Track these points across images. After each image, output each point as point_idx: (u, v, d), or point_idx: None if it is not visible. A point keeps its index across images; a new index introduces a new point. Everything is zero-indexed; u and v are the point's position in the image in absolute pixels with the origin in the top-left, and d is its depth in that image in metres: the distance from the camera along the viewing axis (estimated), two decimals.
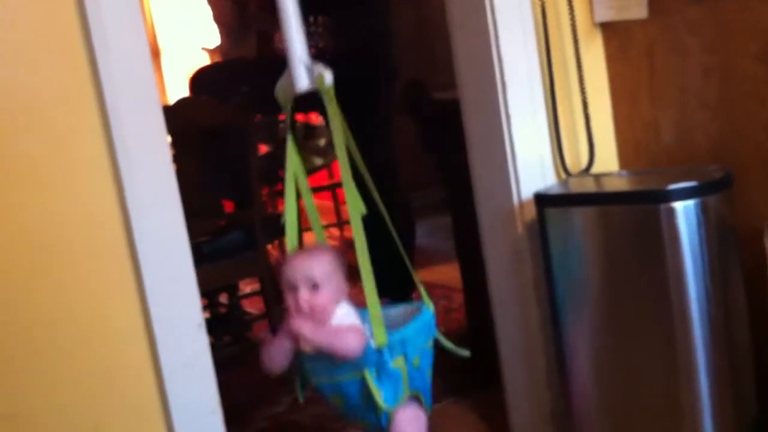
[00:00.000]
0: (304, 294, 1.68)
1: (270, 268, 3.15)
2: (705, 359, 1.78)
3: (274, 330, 3.01)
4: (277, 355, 1.74)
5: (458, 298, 3.33)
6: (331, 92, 1.75)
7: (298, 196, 1.84)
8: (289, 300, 1.69)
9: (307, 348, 1.71)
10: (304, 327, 1.66)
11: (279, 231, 3.85)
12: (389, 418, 1.74)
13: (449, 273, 3.48)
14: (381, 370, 1.69)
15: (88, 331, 1.71)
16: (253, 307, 3.88)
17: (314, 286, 1.69)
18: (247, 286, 4.14)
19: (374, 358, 1.68)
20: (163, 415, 1.78)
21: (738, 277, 1.87)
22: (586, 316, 1.90)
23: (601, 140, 2.18)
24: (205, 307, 3.22)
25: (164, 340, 1.74)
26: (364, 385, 1.69)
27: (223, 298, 3.50)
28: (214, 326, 3.23)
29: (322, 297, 1.69)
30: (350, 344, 1.66)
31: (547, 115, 2.11)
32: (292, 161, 1.82)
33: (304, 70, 1.77)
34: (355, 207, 1.72)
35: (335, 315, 1.73)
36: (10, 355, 1.65)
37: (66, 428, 1.71)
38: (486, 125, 2.12)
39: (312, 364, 1.73)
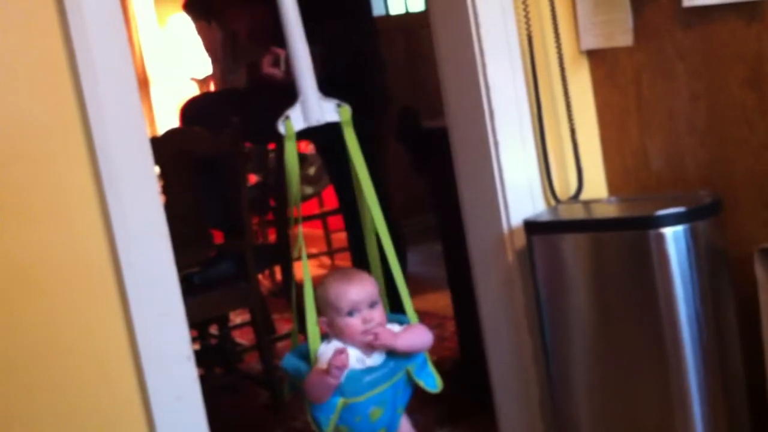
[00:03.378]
0: (369, 313, 1.79)
1: (261, 299, 3.13)
2: (697, 384, 1.77)
3: (265, 360, 3.01)
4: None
5: (450, 326, 3.31)
6: (351, 123, 1.86)
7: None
8: (353, 320, 1.78)
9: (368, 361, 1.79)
10: (387, 336, 1.78)
11: (269, 260, 3.86)
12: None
13: (441, 301, 3.47)
14: (418, 362, 1.85)
15: (75, 364, 1.70)
16: (243, 338, 3.86)
17: (372, 305, 1.80)
18: (238, 317, 4.12)
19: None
20: None
21: (729, 302, 1.86)
22: (577, 343, 1.89)
23: (589, 166, 2.18)
24: (195, 339, 3.20)
25: (153, 373, 1.73)
26: (403, 384, 1.84)
27: (214, 329, 3.48)
28: (204, 357, 3.21)
29: (382, 312, 1.83)
30: (426, 336, 1.85)
31: (536, 142, 2.12)
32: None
33: (322, 104, 1.82)
34: (381, 224, 1.87)
35: None
36: None
37: None
38: (474, 153, 2.12)
39: (355, 385, 1.77)
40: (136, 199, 1.71)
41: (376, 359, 1.80)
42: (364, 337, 1.77)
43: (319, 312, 1.84)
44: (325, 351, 1.80)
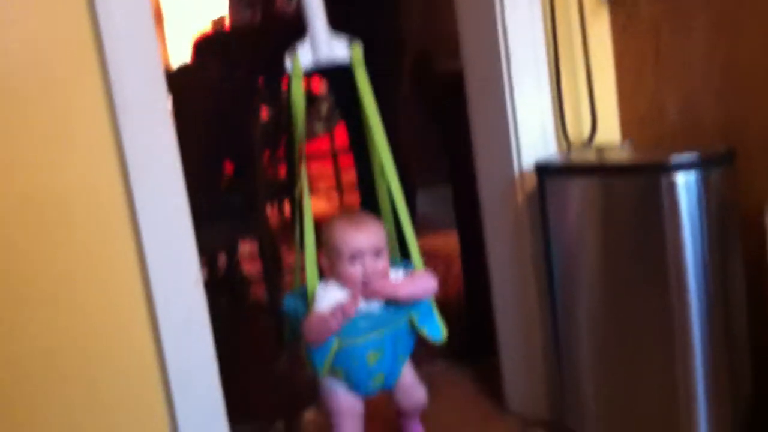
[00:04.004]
0: (372, 263, 1.79)
1: (269, 230, 3.16)
2: (701, 335, 1.78)
3: (272, 291, 3.04)
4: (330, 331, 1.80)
5: (456, 267, 3.34)
6: (362, 62, 1.85)
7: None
8: (354, 269, 1.79)
9: (363, 307, 1.80)
10: (386, 286, 1.80)
11: (279, 194, 3.87)
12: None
13: (448, 242, 3.49)
14: (423, 310, 1.87)
15: (85, 286, 1.73)
16: (251, 268, 3.89)
17: (377, 254, 1.80)
18: (246, 248, 4.16)
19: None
20: (160, 371, 1.80)
21: (737, 254, 1.87)
22: (583, 288, 1.91)
23: (604, 113, 2.18)
24: (204, 268, 3.23)
25: (161, 295, 1.76)
26: (405, 331, 1.86)
27: (222, 260, 3.51)
28: (211, 287, 3.24)
29: (386, 261, 1.83)
30: (430, 284, 1.87)
31: (551, 87, 2.11)
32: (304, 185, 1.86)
33: (331, 42, 1.79)
34: (390, 167, 1.89)
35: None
36: (5, 309, 1.66)
37: (61, 384, 1.73)
38: (489, 95, 2.11)
39: (350, 328, 1.78)
40: (150, 128, 1.72)
41: (374, 304, 1.81)
42: (361, 288, 1.78)
43: (323, 251, 1.84)
44: (324, 293, 1.81)
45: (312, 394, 2.49)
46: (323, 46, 1.80)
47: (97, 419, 1.76)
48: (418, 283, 1.87)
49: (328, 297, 1.80)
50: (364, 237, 1.80)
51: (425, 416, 2.22)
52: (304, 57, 1.82)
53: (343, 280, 1.81)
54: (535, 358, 2.16)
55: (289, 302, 1.89)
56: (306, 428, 2.39)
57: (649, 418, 1.87)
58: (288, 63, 1.80)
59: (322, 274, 1.85)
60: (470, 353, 2.66)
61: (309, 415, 2.43)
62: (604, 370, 1.93)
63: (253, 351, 3.02)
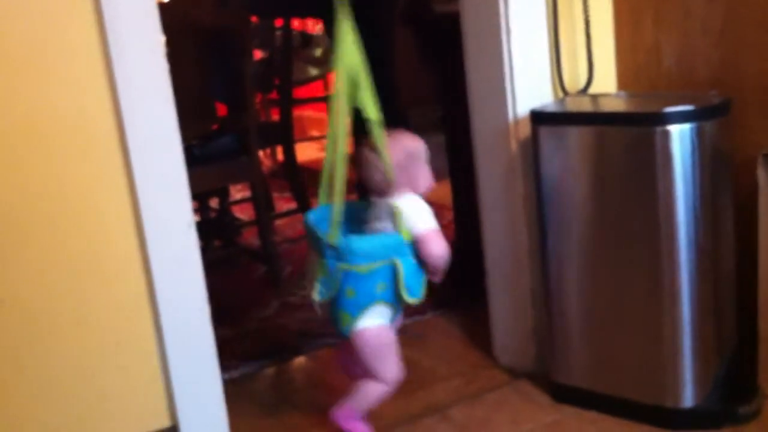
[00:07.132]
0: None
1: (262, 174, 3.14)
2: (689, 285, 1.79)
3: (264, 236, 3.04)
4: None
5: (448, 216, 3.33)
6: None
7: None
8: (428, 168, 1.88)
9: None
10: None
11: (271, 139, 3.85)
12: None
13: (440, 190, 3.47)
14: None
15: (77, 223, 1.72)
16: (242, 213, 3.89)
17: None
18: (238, 193, 4.15)
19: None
20: (151, 310, 1.80)
21: (728, 206, 1.87)
22: (574, 236, 1.91)
23: (601, 61, 2.16)
24: (196, 211, 3.23)
25: (154, 236, 1.75)
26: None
27: (214, 203, 3.50)
28: (203, 230, 3.24)
29: None
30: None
31: (548, 33, 2.08)
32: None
33: None
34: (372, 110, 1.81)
35: None
36: None
37: (51, 318, 1.73)
38: (486, 39, 2.08)
39: None
40: (142, 61, 1.70)
41: None
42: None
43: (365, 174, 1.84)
44: (417, 206, 1.85)
45: (301, 341, 2.51)
46: None
47: (90, 359, 1.77)
48: None
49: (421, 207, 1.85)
50: (422, 147, 1.88)
51: (414, 365, 2.23)
52: None
53: (422, 183, 1.87)
54: (525, 307, 2.16)
55: (370, 241, 1.80)
56: (296, 374, 2.40)
57: (635, 368, 1.89)
58: None
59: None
60: (460, 302, 2.67)
61: (299, 360, 2.45)
62: (592, 318, 1.93)
63: (245, 296, 3.02)
